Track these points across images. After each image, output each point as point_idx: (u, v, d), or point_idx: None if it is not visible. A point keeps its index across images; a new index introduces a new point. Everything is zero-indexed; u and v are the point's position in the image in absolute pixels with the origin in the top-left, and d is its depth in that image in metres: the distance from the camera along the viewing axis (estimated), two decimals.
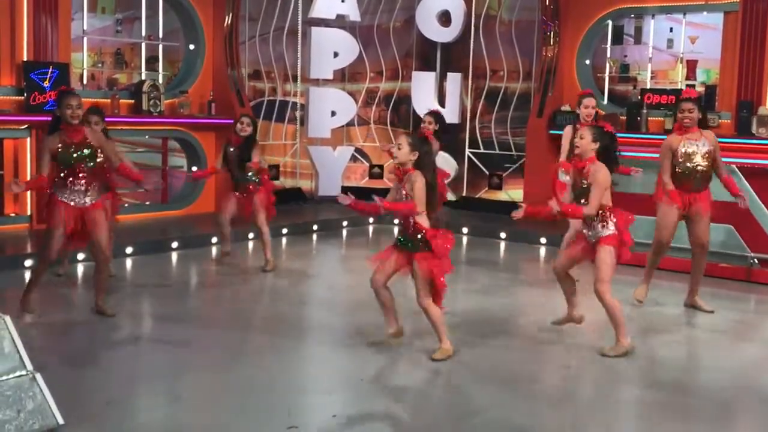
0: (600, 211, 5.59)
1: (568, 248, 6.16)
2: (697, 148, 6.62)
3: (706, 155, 6.62)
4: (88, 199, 6.10)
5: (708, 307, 6.87)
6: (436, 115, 8.85)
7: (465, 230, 10.25)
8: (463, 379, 5.22)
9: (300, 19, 12.12)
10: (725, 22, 9.96)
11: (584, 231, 5.77)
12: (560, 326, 6.15)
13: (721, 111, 9.90)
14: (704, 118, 6.79)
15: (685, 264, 7.25)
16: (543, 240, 9.86)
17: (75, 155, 6.03)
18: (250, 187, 8.03)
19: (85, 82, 10.75)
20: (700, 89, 10.31)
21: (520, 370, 5.40)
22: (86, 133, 6.17)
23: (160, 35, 11.11)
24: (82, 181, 6.07)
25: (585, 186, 5.65)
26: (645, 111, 10.36)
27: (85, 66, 10.69)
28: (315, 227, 10.55)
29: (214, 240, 9.37)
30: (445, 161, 9.10)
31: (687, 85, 10.34)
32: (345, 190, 12.86)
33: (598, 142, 5.62)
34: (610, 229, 5.60)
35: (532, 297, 7.54)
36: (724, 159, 6.83)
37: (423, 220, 5.36)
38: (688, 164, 6.63)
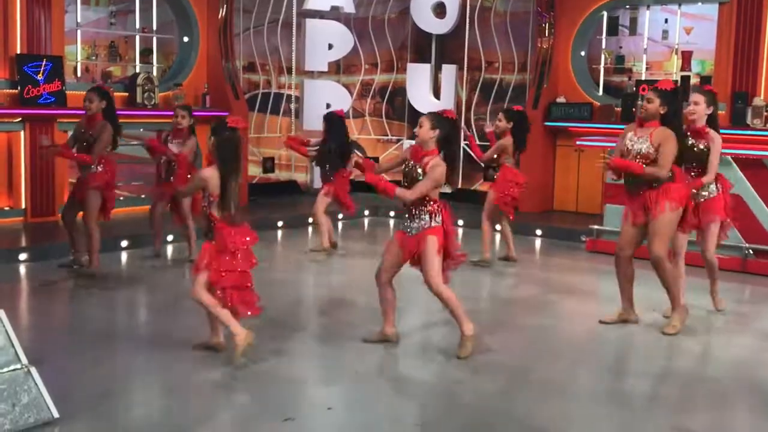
0: (430, 204, 5.19)
1: (389, 254, 5.41)
2: (632, 145, 5.88)
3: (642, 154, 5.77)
4: (84, 173, 7.23)
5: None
6: (507, 112, 8.04)
7: (460, 222, 10.24)
8: (460, 373, 5.23)
9: (294, 10, 12.10)
10: (720, 12, 9.97)
11: (407, 224, 5.28)
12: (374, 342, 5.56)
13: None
14: (668, 114, 5.84)
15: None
16: (538, 231, 9.87)
17: (86, 138, 7.22)
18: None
19: (79, 74, 10.72)
20: (695, 80, 10.32)
21: (516, 363, 5.41)
22: (96, 123, 7.19)
23: (154, 27, 11.09)
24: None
25: (421, 178, 5.18)
26: (640, 102, 10.30)
27: (78, 58, 10.66)
28: (310, 220, 10.53)
29: None
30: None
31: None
32: None
33: (437, 129, 5.16)
34: (437, 221, 5.20)
35: (530, 291, 7.56)
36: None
37: (215, 210, 5.03)
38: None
